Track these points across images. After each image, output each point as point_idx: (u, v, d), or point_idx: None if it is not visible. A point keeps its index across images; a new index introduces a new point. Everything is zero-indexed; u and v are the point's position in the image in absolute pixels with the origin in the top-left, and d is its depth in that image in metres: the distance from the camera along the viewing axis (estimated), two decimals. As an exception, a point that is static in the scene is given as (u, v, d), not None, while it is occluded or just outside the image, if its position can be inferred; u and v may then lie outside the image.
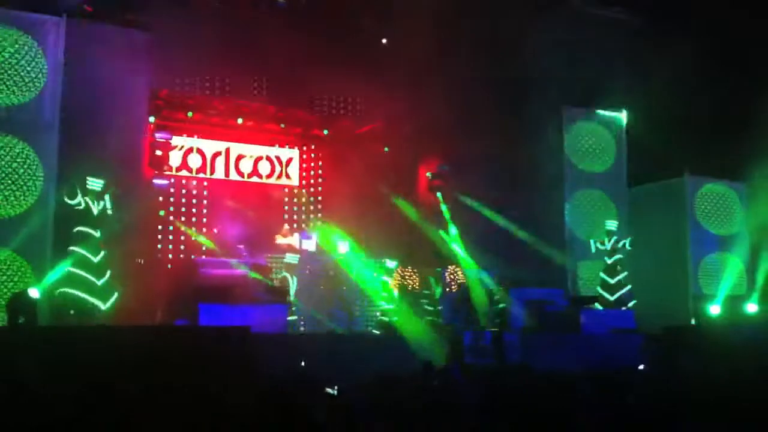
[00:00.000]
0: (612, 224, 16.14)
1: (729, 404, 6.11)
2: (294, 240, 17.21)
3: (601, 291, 15.79)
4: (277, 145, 19.25)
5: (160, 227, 16.99)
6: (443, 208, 18.56)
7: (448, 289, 16.67)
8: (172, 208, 17.58)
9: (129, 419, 5.98)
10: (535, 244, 16.46)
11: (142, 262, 14.01)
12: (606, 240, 15.91)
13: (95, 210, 12.13)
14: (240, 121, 18.09)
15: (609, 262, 15.89)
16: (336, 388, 8.86)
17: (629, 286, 15.84)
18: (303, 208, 19.47)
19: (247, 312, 12.41)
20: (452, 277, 17.25)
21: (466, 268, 17.47)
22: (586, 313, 14.65)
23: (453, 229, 18.14)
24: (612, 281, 15.79)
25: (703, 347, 10.39)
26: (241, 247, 15.99)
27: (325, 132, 19.18)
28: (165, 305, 13.62)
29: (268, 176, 19.04)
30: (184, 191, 17.90)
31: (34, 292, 11.03)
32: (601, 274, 15.92)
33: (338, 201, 17.89)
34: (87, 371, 8.39)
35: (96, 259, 11.98)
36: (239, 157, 18.70)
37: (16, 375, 7.97)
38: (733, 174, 17.40)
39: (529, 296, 15.18)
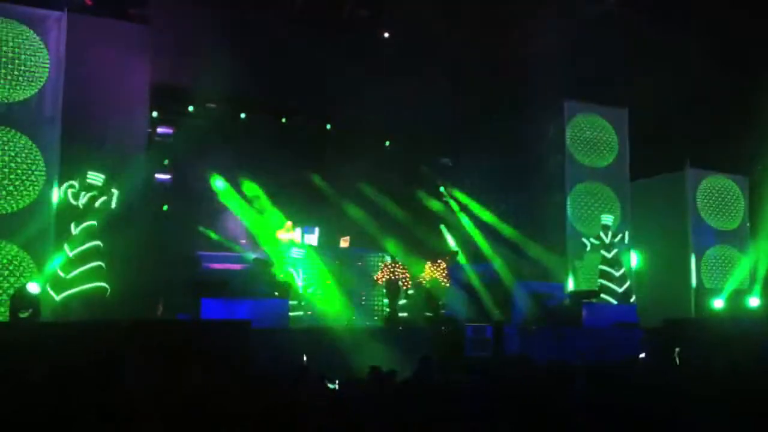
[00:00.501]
0: (607, 218, 16.14)
1: (729, 396, 6.13)
2: (296, 235, 17.20)
3: (606, 283, 15.79)
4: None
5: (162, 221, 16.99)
6: (449, 202, 18.58)
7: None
8: (174, 203, 17.56)
9: (131, 413, 6.01)
10: (535, 238, 16.47)
11: (144, 256, 14.02)
12: (602, 234, 15.92)
13: (97, 204, 12.20)
14: (243, 116, 18.09)
15: (609, 255, 15.90)
16: (337, 382, 8.90)
17: (629, 282, 15.90)
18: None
19: (249, 306, 12.42)
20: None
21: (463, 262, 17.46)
22: (588, 307, 14.65)
23: (465, 219, 18.14)
24: (617, 273, 15.82)
25: (702, 340, 10.42)
26: (243, 242, 16.02)
27: (328, 126, 19.17)
28: (166, 299, 13.64)
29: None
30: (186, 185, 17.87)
31: (34, 287, 11.07)
32: (604, 267, 15.91)
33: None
34: (88, 366, 8.44)
35: (84, 247, 12.06)
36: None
37: (19, 369, 8.03)
38: (736, 167, 17.38)
39: (530, 290, 15.18)
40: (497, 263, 17.25)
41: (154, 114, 15.73)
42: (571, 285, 16.18)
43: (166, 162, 17.17)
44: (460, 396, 6.83)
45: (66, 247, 12.06)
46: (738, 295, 16.53)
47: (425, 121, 16.87)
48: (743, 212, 17.53)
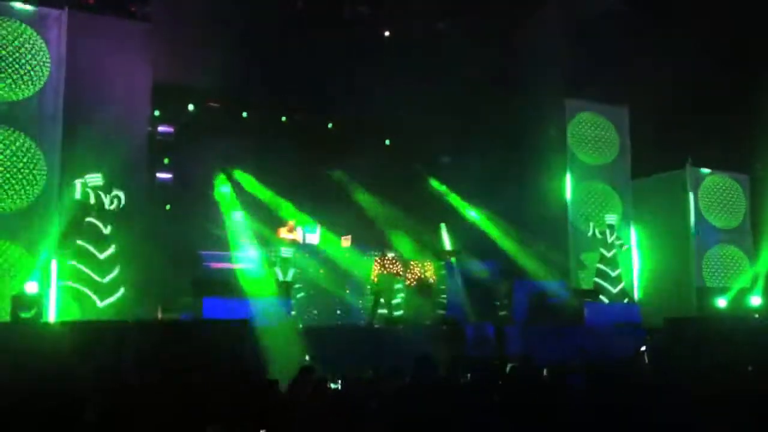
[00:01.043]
0: (611, 218, 16.12)
1: (727, 394, 6.13)
2: (298, 234, 17.20)
3: (601, 282, 15.78)
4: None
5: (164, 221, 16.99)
6: (449, 200, 18.56)
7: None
8: (175, 202, 17.56)
9: (132, 411, 6.02)
10: (536, 236, 16.46)
11: (147, 256, 14.01)
12: (607, 233, 15.90)
13: (106, 203, 12.15)
14: (244, 114, 18.09)
15: (608, 255, 15.88)
16: (339, 381, 8.90)
17: (623, 283, 15.89)
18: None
19: (251, 306, 12.40)
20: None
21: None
22: (590, 307, 14.62)
23: (465, 217, 18.16)
24: (613, 274, 15.81)
25: (702, 339, 10.40)
26: (245, 240, 16.00)
27: (330, 126, 19.17)
28: (169, 299, 13.64)
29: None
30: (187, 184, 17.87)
31: (33, 286, 11.06)
32: (601, 266, 15.91)
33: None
34: (89, 366, 8.46)
35: (102, 256, 11.99)
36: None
37: (23, 368, 8.05)
38: (737, 165, 17.35)
39: (532, 288, 15.16)
40: (498, 261, 17.22)
41: (156, 113, 15.68)
42: (572, 283, 16.19)
43: (167, 161, 17.15)
44: (460, 395, 6.82)
45: (91, 247, 11.95)
46: (739, 294, 16.50)
47: (425, 120, 16.84)
48: (745, 211, 17.50)
